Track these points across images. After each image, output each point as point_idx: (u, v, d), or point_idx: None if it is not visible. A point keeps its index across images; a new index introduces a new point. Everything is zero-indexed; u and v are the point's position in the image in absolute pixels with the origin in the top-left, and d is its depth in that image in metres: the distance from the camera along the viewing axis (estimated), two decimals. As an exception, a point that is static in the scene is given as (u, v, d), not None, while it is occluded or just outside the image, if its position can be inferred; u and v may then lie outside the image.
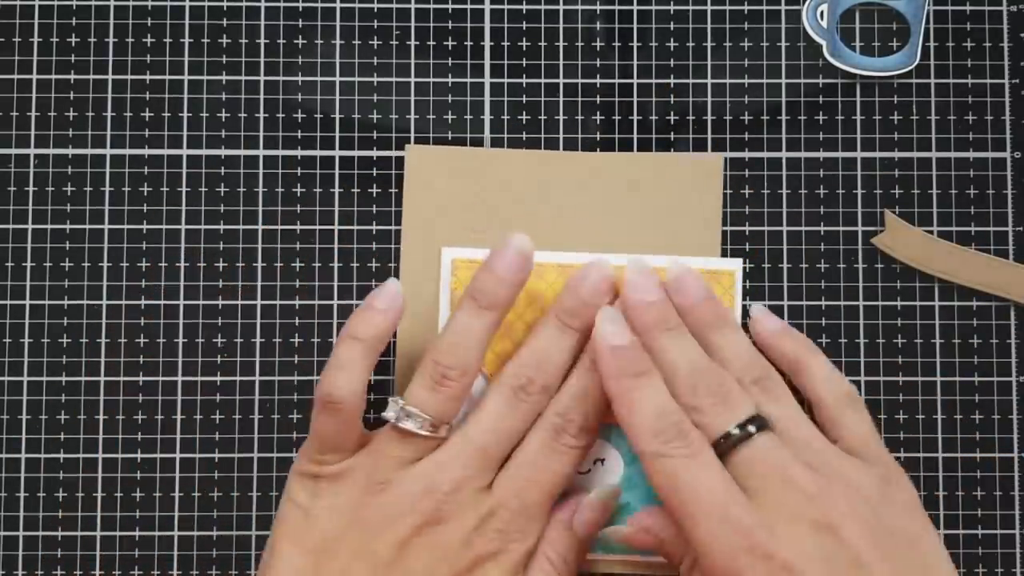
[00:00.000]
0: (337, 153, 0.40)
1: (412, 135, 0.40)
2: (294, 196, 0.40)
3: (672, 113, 0.40)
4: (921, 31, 0.40)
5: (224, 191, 0.40)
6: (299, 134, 0.40)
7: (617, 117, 0.40)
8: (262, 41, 0.40)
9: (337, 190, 0.40)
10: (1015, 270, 0.40)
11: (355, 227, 0.40)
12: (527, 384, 0.35)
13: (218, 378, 0.39)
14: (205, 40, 0.40)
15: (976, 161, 0.40)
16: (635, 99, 0.40)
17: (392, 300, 0.36)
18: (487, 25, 0.40)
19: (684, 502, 0.32)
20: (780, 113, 0.40)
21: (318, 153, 0.40)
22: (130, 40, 0.40)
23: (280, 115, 0.40)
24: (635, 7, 0.40)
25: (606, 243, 0.39)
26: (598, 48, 0.40)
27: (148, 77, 0.40)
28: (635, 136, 0.40)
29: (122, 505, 0.39)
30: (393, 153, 0.40)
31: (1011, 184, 0.40)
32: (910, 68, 0.40)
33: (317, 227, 0.40)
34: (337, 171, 0.40)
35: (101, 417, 0.39)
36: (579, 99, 0.40)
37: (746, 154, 0.40)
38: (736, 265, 0.39)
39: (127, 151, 0.40)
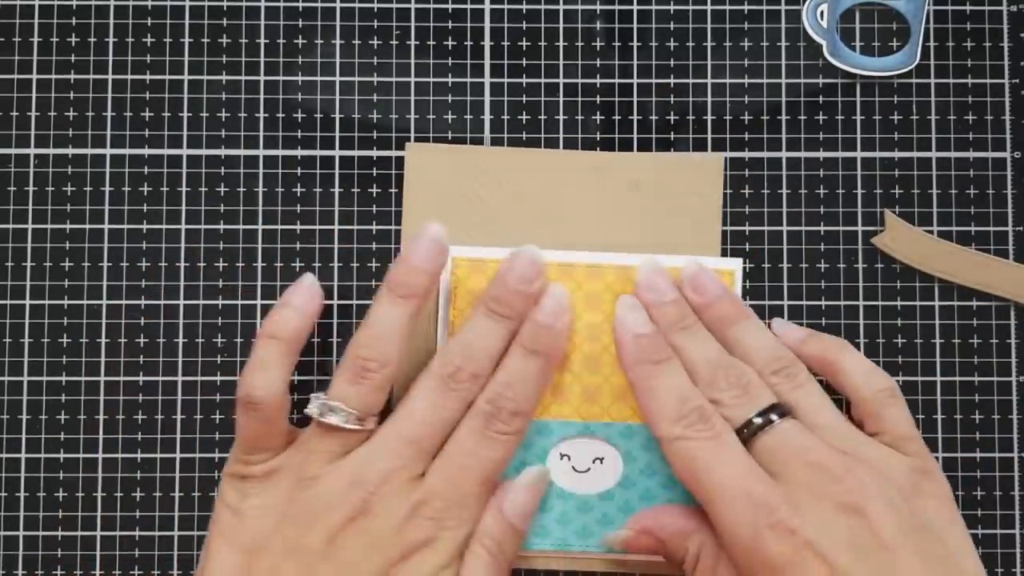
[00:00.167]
0: (337, 153, 0.40)
1: (412, 135, 0.40)
2: (294, 196, 0.40)
3: (672, 113, 0.40)
4: (921, 31, 0.40)
5: (224, 191, 0.40)
6: (299, 134, 0.40)
7: (617, 117, 0.40)
8: (262, 41, 0.40)
9: (337, 190, 0.40)
10: (1015, 270, 0.40)
11: (355, 227, 0.40)
12: (455, 372, 0.35)
13: (218, 378, 0.39)
14: (205, 40, 0.40)
15: (976, 161, 0.40)
16: (635, 99, 0.40)
17: (308, 297, 0.36)
18: (487, 25, 0.40)
19: (706, 482, 0.33)
20: (780, 113, 0.40)
21: (318, 153, 0.40)
22: (130, 40, 0.40)
23: (280, 115, 0.40)
24: (635, 7, 0.40)
25: (606, 243, 0.39)
26: (598, 48, 0.40)
27: (148, 77, 0.40)
28: (635, 136, 0.40)
29: (122, 505, 0.39)
30: (393, 153, 0.40)
31: (1011, 184, 0.40)
32: (910, 68, 0.40)
33: (317, 227, 0.40)
34: (337, 171, 0.40)
35: (101, 417, 0.39)
36: (579, 99, 0.40)
37: (746, 154, 0.40)
38: (736, 265, 0.39)
39: (127, 151, 0.40)
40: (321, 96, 0.40)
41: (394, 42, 0.40)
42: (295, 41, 0.40)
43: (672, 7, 0.40)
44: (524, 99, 0.40)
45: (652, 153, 0.40)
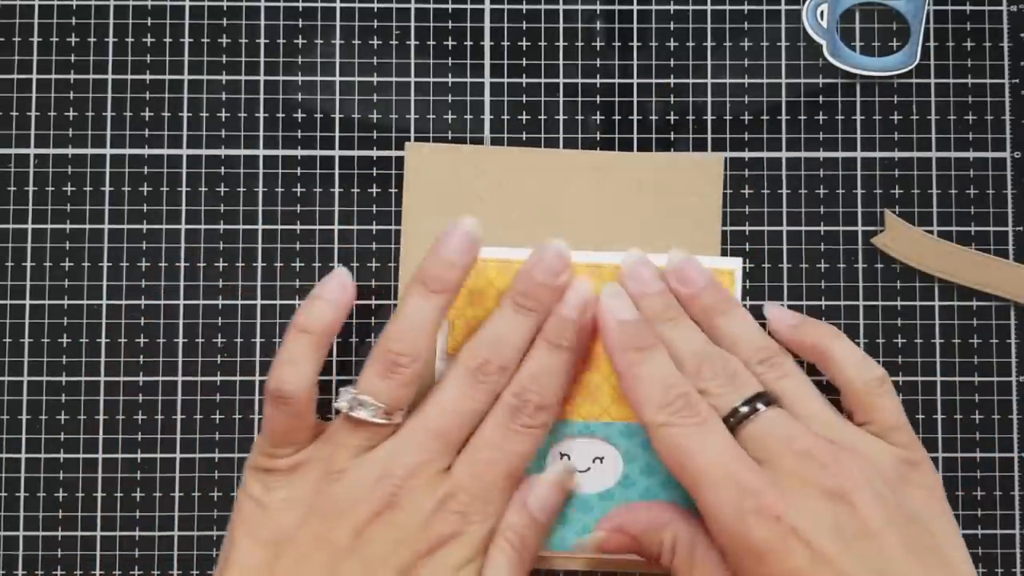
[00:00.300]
0: (337, 153, 0.40)
1: (412, 135, 0.40)
2: (294, 196, 0.40)
3: (672, 113, 0.40)
4: (921, 31, 0.40)
5: (224, 191, 0.40)
6: (299, 134, 0.40)
7: (617, 117, 0.40)
8: (262, 41, 0.40)
9: (337, 190, 0.40)
10: (1015, 270, 0.40)
11: (355, 227, 0.40)
12: (484, 365, 0.35)
13: (218, 378, 0.39)
14: (205, 40, 0.40)
15: (976, 161, 0.40)
16: (635, 99, 0.40)
17: (340, 290, 0.36)
18: (487, 25, 0.40)
19: (691, 468, 0.33)
20: (780, 113, 0.40)
21: (318, 153, 0.40)
22: (130, 40, 0.40)
23: (280, 115, 0.40)
24: (635, 7, 0.40)
25: (606, 242, 0.39)
26: (598, 48, 0.40)
27: (148, 77, 0.40)
28: (635, 136, 0.40)
29: (122, 505, 0.39)
30: (393, 153, 0.40)
31: (1011, 184, 0.40)
32: (910, 68, 0.40)
33: (317, 227, 0.40)
34: (337, 171, 0.40)
35: (101, 417, 0.39)
36: (579, 99, 0.40)
37: (746, 154, 0.40)
38: (736, 265, 0.39)
39: (127, 151, 0.40)
40: (321, 96, 0.40)
41: (394, 42, 0.40)
42: (295, 41, 0.40)
43: (672, 7, 0.40)
44: (524, 99, 0.40)
45: (652, 153, 0.40)
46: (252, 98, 0.40)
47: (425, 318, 0.35)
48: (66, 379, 0.39)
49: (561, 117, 0.40)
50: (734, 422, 0.34)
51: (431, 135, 0.40)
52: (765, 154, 0.40)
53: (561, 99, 0.40)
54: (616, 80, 0.40)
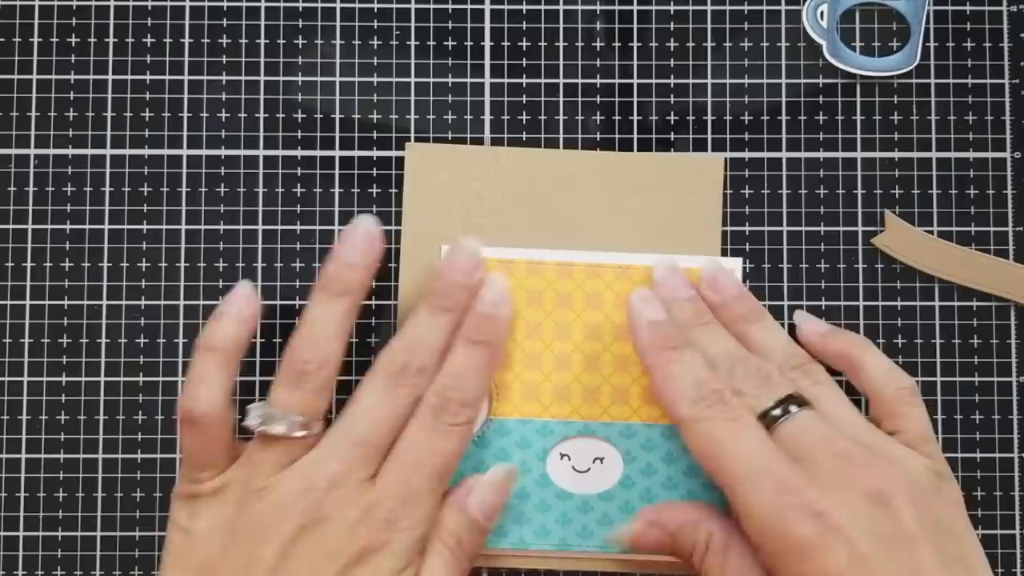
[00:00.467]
0: (337, 153, 0.40)
1: (412, 135, 0.40)
2: (294, 196, 0.40)
3: (672, 113, 0.40)
4: (921, 31, 0.40)
5: (224, 191, 0.40)
6: (299, 134, 0.40)
7: (617, 117, 0.40)
8: (262, 41, 0.40)
9: (337, 190, 0.40)
10: (1015, 270, 0.40)
11: (355, 227, 0.40)
12: (402, 368, 0.35)
13: (218, 378, 0.39)
14: (205, 40, 0.40)
15: (976, 161, 0.40)
16: (635, 99, 0.40)
17: (244, 304, 0.35)
18: (487, 25, 0.40)
19: (728, 464, 0.32)
20: (780, 113, 0.40)
21: (318, 153, 0.40)
22: (130, 40, 0.40)
23: (280, 115, 0.40)
24: (635, 7, 0.40)
25: (606, 242, 0.39)
26: (598, 48, 0.40)
27: (148, 77, 0.40)
28: (635, 136, 0.40)
29: (122, 505, 0.39)
30: (393, 153, 0.40)
31: (1011, 184, 0.40)
32: (910, 68, 0.40)
33: (317, 227, 0.40)
34: (337, 171, 0.40)
35: (101, 417, 0.39)
36: (579, 99, 0.40)
37: (746, 154, 0.40)
38: (736, 265, 0.39)
39: (127, 151, 0.40)
40: (321, 96, 0.40)
41: (394, 42, 0.40)
42: (295, 41, 0.40)
43: (672, 7, 0.40)
44: (524, 99, 0.40)
45: (652, 153, 0.40)
46: (252, 98, 0.40)
47: (330, 322, 0.35)
48: (66, 379, 0.39)
49: (561, 117, 0.40)
50: (769, 421, 0.33)
51: (431, 135, 0.40)
52: (765, 154, 0.40)
53: (561, 99, 0.40)
54: (616, 80, 0.40)
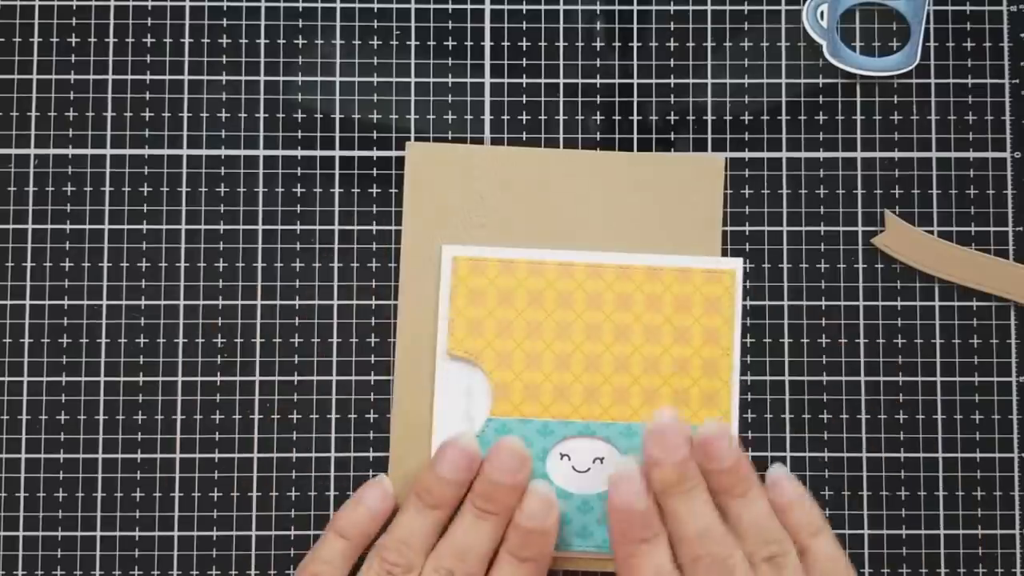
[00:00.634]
0: (337, 153, 0.40)
1: (412, 135, 0.40)
2: (294, 196, 0.40)
3: (672, 113, 0.40)
4: (921, 31, 0.40)
5: (224, 191, 0.40)
6: (299, 134, 0.40)
7: (617, 117, 0.40)
8: (262, 41, 0.40)
9: (337, 190, 0.40)
10: (1015, 270, 0.40)
11: (355, 227, 0.40)
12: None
13: (218, 378, 0.39)
14: (205, 40, 0.40)
15: (976, 161, 0.40)
16: (635, 99, 0.40)
17: (382, 500, 0.37)
18: (487, 25, 0.40)
19: None
20: (780, 113, 0.40)
21: (318, 153, 0.40)
22: (130, 40, 0.40)
23: (280, 115, 0.40)
24: (635, 7, 0.40)
25: (606, 242, 0.39)
26: (598, 48, 0.40)
27: (148, 77, 0.40)
28: (635, 136, 0.40)
29: (122, 505, 0.39)
30: (393, 153, 0.40)
31: (1011, 184, 0.40)
32: (910, 68, 0.40)
33: (317, 227, 0.40)
34: (337, 171, 0.40)
35: (101, 417, 0.39)
36: (579, 99, 0.40)
37: (746, 154, 0.40)
38: (736, 265, 0.39)
39: (127, 151, 0.40)
40: (321, 96, 0.40)
41: (394, 42, 0.40)
42: (295, 41, 0.40)
43: (672, 7, 0.40)
44: (524, 99, 0.40)
45: (652, 153, 0.40)
46: (252, 98, 0.40)
47: (421, 532, 0.36)
48: (66, 379, 0.39)
49: (561, 117, 0.40)
50: None
51: (431, 135, 0.40)
52: (765, 154, 0.40)
53: (561, 99, 0.40)
54: (616, 80, 0.40)
